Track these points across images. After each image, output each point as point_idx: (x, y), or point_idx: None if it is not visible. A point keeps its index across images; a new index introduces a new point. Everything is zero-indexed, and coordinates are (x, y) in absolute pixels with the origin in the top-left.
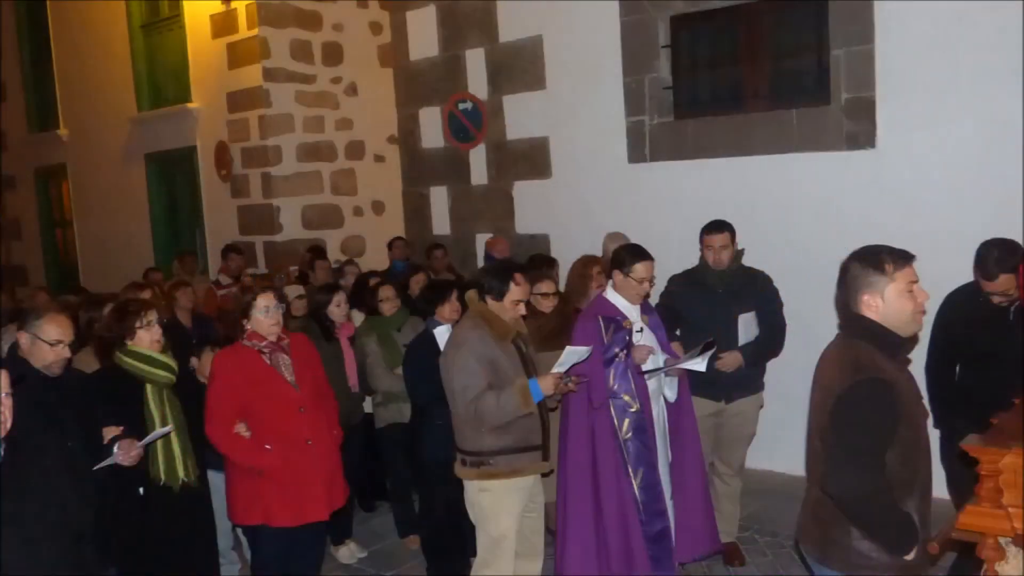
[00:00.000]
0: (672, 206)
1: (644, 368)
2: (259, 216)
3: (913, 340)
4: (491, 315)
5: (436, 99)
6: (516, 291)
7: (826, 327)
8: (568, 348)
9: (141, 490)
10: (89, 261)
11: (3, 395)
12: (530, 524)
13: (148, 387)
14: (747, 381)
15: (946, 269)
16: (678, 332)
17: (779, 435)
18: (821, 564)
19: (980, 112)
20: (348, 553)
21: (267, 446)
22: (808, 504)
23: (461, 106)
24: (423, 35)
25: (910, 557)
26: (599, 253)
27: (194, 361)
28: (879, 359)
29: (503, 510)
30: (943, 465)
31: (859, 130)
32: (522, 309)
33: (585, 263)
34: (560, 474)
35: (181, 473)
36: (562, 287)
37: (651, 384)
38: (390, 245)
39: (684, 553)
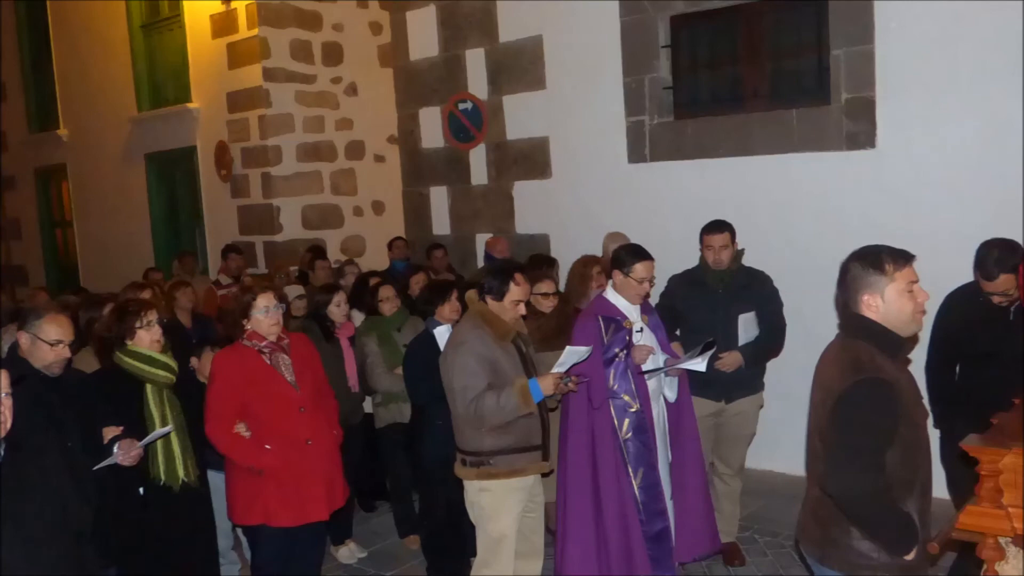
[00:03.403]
0: (672, 206)
1: (644, 368)
2: (259, 216)
3: (913, 340)
4: (491, 315)
5: (436, 99)
6: (516, 291)
7: (826, 327)
8: (568, 348)
9: (141, 490)
10: (89, 261)
11: (3, 395)
12: (530, 524)
13: (148, 387)
14: (747, 381)
15: (946, 269)
16: (678, 332)
17: (779, 435)
18: (821, 564)
19: (980, 112)
20: (348, 553)
21: (267, 446)
22: (808, 504)
23: (461, 106)
24: (423, 35)
25: (910, 557)
26: (599, 253)
27: (194, 361)
28: (879, 359)
29: (503, 510)
30: (943, 465)
31: (859, 130)
32: (522, 309)
33: (585, 263)
34: (560, 474)
35: (181, 473)
36: (562, 287)
37: (651, 384)
38: (390, 245)
39: (684, 553)
